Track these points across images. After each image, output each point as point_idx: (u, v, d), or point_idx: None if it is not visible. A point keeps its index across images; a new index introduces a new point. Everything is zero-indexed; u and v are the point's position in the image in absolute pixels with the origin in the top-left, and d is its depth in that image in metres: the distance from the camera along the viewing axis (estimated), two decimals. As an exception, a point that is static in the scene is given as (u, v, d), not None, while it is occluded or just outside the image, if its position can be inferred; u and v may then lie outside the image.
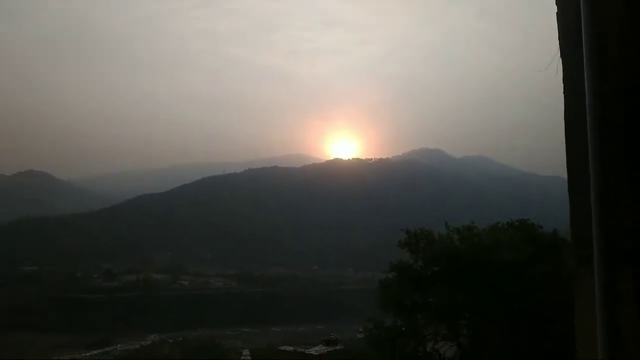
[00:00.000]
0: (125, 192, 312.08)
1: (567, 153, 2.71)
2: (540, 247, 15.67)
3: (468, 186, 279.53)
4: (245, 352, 67.67)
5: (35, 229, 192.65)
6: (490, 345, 15.45)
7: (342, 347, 57.63)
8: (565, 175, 2.75)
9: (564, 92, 2.78)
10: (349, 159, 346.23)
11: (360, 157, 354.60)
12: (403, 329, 16.40)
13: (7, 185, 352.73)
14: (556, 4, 2.86)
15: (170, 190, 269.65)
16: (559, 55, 2.84)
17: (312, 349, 58.97)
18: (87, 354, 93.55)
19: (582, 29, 2.43)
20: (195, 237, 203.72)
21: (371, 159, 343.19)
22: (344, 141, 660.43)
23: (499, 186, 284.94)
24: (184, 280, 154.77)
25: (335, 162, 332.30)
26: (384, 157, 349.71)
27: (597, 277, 2.28)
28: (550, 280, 13.07)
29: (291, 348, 66.82)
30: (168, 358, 74.43)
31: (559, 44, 2.82)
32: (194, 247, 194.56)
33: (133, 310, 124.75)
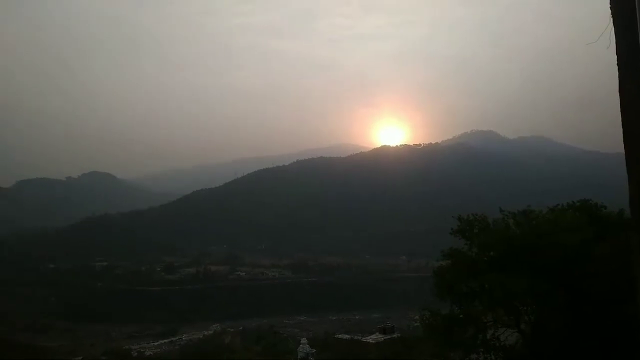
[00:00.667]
0: (180, 189, 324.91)
1: (623, 127, 2.58)
2: (605, 228, 14.86)
3: (524, 168, 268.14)
4: (303, 340, 69.10)
5: (102, 227, 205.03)
6: (553, 330, 14.89)
7: (398, 334, 57.53)
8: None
9: (617, 64, 2.64)
10: (396, 146, 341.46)
11: (408, 143, 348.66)
12: (460, 316, 16.10)
13: (75, 187, 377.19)
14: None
15: (223, 185, 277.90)
16: (612, 25, 2.70)
17: (369, 337, 59.28)
18: (156, 343, 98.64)
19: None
20: (249, 229, 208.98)
21: (420, 144, 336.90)
22: (391, 128, 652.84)
23: (557, 167, 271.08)
24: (241, 271, 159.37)
25: (383, 150, 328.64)
26: (433, 142, 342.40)
27: None
28: (615, 262, 12.37)
29: (348, 336, 67.55)
30: (229, 346, 77.16)
31: (611, 12, 2.67)
32: (249, 239, 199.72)
33: (195, 302, 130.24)
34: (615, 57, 2.68)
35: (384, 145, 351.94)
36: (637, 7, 2.25)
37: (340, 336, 68.57)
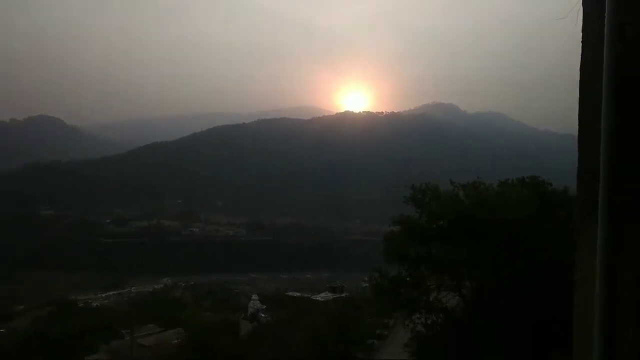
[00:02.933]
0: (136, 140, 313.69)
1: (579, 107, 2.61)
2: (549, 204, 15.59)
3: (480, 142, 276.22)
4: (254, 296, 70.18)
5: (49, 174, 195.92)
6: (491, 296, 15.76)
7: (347, 294, 59.55)
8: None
9: (582, 42, 2.64)
10: (359, 112, 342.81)
11: (371, 111, 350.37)
12: (407, 279, 16.76)
13: (19, 130, 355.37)
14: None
15: (182, 139, 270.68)
16: (581, 2, 2.68)
17: (318, 295, 61.07)
18: (103, 295, 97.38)
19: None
20: (207, 185, 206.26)
21: (382, 112, 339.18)
22: (356, 94, 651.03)
23: (512, 143, 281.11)
24: (195, 227, 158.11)
25: (346, 115, 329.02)
26: (395, 111, 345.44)
27: (600, 229, 2.28)
28: (557, 237, 13.10)
29: (298, 294, 69.28)
30: (180, 300, 77.39)
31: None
32: (206, 195, 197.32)
33: (145, 255, 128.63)
34: (580, 35, 2.68)
35: (347, 111, 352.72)
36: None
37: (290, 293, 70.22)
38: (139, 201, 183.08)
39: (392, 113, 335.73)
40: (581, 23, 2.57)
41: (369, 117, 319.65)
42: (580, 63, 2.57)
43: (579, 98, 2.59)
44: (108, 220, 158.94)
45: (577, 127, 2.70)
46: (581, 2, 2.61)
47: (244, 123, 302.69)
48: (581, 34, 2.62)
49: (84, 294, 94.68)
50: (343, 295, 58.82)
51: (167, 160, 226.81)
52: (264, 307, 63.38)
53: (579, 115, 2.68)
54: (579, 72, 2.69)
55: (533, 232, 14.18)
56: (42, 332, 43.99)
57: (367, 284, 22.11)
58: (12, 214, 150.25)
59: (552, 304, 13.05)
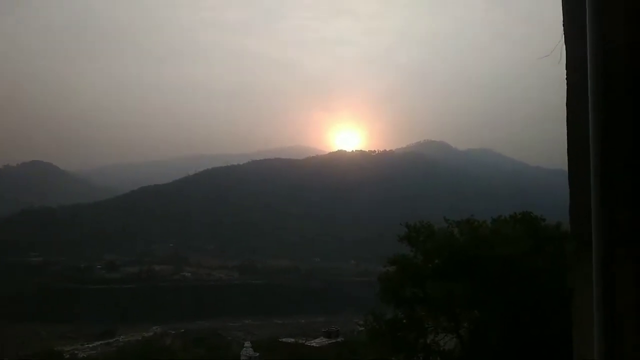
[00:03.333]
0: (128, 184, 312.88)
1: (568, 142, 2.64)
2: (542, 240, 15.61)
3: (472, 179, 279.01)
4: (247, 343, 68.21)
5: (39, 220, 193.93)
6: (490, 336, 15.45)
7: (342, 339, 58.03)
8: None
9: (566, 79, 2.70)
10: (352, 151, 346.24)
11: (363, 149, 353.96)
12: (404, 321, 16.43)
13: (13, 176, 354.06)
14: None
15: (173, 182, 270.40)
16: (563, 41, 2.77)
17: (313, 341, 59.43)
18: (90, 345, 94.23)
19: (587, 12, 2.34)
20: (198, 228, 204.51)
21: (374, 151, 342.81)
22: (347, 133, 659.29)
23: (503, 179, 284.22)
24: (186, 271, 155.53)
25: (338, 154, 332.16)
26: (387, 149, 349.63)
27: (595, 262, 2.31)
28: (551, 272, 13.02)
29: (292, 340, 67.41)
30: (170, 349, 74.93)
31: (563, 29, 2.74)
32: (196, 238, 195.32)
33: (135, 302, 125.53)
34: (565, 73, 2.74)
35: (340, 150, 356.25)
36: (587, 22, 2.32)
37: (284, 340, 68.29)
38: (129, 246, 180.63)
39: (385, 151, 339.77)
40: (564, 61, 2.65)
41: (361, 155, 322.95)
42: (566, 101, 2.63)
43: (567, 134, 2.63)
44: (99, 266, 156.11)
45: (567, 162, 2.73)
46: (563, 41, 2.69)
47: (237, 164, 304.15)
48: (565, 72, 2.69)
49: (70, 344, 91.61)
50: (339, 339, 57.30)
51: (158, 204, 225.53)
52: (257, 354, 61.52)
53: (567, 151, 2.71)
54: (565, 110, 2.74)
55: (527, 268, 14.11)
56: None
57: (363, 328, 21.61)
58: (0, 262, 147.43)
59: (550, 341, 12.82)
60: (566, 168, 2.76)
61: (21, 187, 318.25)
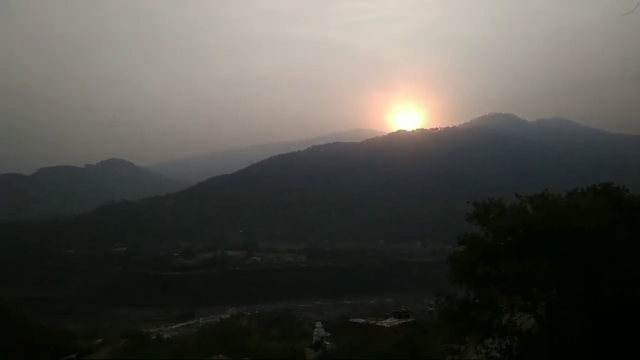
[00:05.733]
0: (197, 176, 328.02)
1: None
2: (627, 211, 14.43)
3: (544, 152, 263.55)
4: (318, 324, 69.46)
5: (120, 213, 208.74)
6: (571, 316, 14.62)
7: (413, 319, 57.59)
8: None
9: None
10: (412, 130, 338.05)
11: (424, 127, 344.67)
12: (476, 301, 15.91)
13: (94, 174, 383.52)
14: None
15: (239, 172, 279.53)
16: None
17: (383, 321, 59.49)
18: (173, 327, 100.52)
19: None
20: (265, 215, 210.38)
21: (437, 128, 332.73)
22: (407, 113, 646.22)
23: (580, 150, 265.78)
24: (257, 256, 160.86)
25: (398, 134, 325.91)
26: (450, 126, 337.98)
27: None
28: (637, 246, 12.01)
29: (362, 320, 67.87)
30: (247, 330, 78.20)
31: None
32: (264, 224, 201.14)
33: (211, 286, 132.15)
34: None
35: (400, 130, 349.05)
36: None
37: (355, 320, 68.96)
38: (203, 233, 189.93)
39: (448, 128, 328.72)
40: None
41: (422, 134, 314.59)
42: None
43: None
44: (176, 254, 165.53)
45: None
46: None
47: (298, 151, 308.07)
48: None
49: (155, 326, 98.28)
50: (409, 320, 56.95)
51: (226, 193, 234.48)
52: (329, 334, 62.60)
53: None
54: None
55: (610, 241, 13.12)
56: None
57: (434, 309, 21.23)
58: (88, 253, 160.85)
59: (636, 318, 11.92)
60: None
61: (103, 184, 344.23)
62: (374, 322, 61.40)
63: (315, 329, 64.35)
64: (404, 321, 56.09)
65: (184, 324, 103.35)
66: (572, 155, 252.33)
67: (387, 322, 57.29)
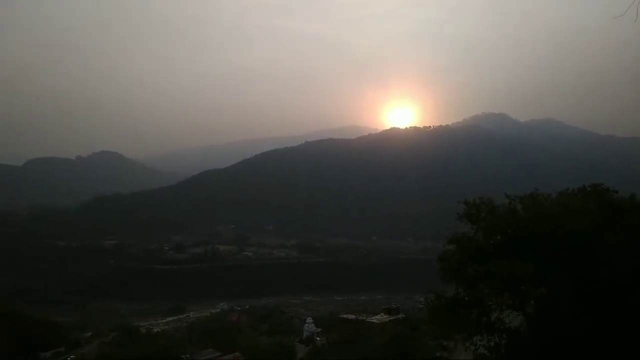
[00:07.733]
0: (189, 169, 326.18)
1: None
2: (616, 213, 14.62)
3: (535, 152, 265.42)
4: (309, 319, 69.77)
5: (112, 206, 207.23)
6: (558, 315, 14.82)
7: (403, 315, 57.94)
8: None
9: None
10: (406, 128, 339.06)
11: (418, 126, 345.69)
12: (465, 299, 16.05)
13: (85, 166, 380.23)
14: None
15: (232, 166, 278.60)
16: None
17: (373, 317, 59.80)
18: (163, 320, 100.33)
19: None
20: (257, 209, 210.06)
21: (430, 126, 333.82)
22: (401, 111, 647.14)
23: (570, 151, 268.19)
24: (248, 251, 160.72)
25: (392, 132, 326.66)
26: (443, 124, 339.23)
27: None
28: (626, 248, 12.20)
29: (353, 316, 68.18)
30: (237, 325, 78.33)
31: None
32: (256, 219, 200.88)
33: (202, 280, 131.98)
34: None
35: (393, 127, 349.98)
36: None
37: (345, 316, 69.26)
38: (194, 228, 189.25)
39: (440, 127, 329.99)
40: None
41: (416, 132, 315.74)
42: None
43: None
44: (167, 248, 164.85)
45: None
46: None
47: (292, 146, 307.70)
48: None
49: (145, 320, 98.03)
50: (399, 316, 57.29)
51: (218, 187, 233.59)
52: (319, 330, 62.88)
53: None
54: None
55: (599, 243, 13.30)
56: (108, 357, 45.75)
57: (424, 306, 21.38)
58: (78, 245, 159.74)
59: (624, 319, 12.11)
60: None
61: (93, 176, 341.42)
62: (364, 318, 61.70)
63: (306, 325, 64.57)
64: (394, 317, 56.42)
65: (174, 318, 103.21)
66: (562, 156, 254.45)
67: (377, 319, 57.60)
